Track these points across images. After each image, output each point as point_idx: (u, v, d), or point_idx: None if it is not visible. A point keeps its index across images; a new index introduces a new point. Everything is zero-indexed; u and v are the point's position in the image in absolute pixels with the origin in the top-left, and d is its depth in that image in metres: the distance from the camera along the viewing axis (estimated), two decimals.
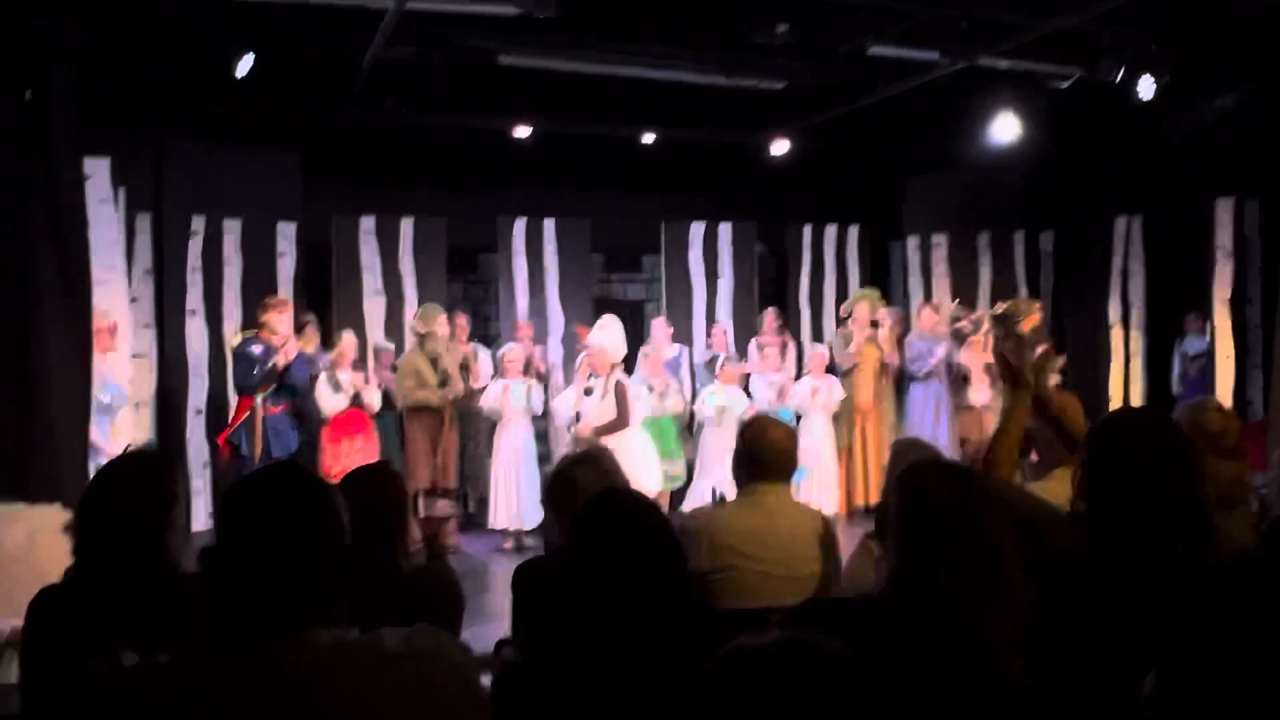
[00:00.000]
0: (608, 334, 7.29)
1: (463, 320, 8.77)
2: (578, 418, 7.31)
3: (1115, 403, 9.66)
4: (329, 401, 7.70)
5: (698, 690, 1.25)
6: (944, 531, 1.92)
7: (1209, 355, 9.08)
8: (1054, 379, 9.36)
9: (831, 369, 8.84)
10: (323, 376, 7.77)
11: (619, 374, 7.24)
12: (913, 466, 2.10)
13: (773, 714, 1.20)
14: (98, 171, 6.74)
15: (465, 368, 8.27)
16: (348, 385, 7.75)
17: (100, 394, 6.56)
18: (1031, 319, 9.44)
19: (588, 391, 7.24)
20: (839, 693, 1.21)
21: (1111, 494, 2.30)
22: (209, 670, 1.50)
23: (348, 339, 8.09)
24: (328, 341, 8.48)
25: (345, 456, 7.55)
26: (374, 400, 7.92)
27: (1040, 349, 9.62)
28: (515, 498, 8.07)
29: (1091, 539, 2.22)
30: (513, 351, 8.34)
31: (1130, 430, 2.35)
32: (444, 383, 7.82)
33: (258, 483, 1.66)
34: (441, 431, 7.90)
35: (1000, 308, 9.54)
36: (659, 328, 9.23)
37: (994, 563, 1.89)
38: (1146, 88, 7.12)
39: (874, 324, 9.00)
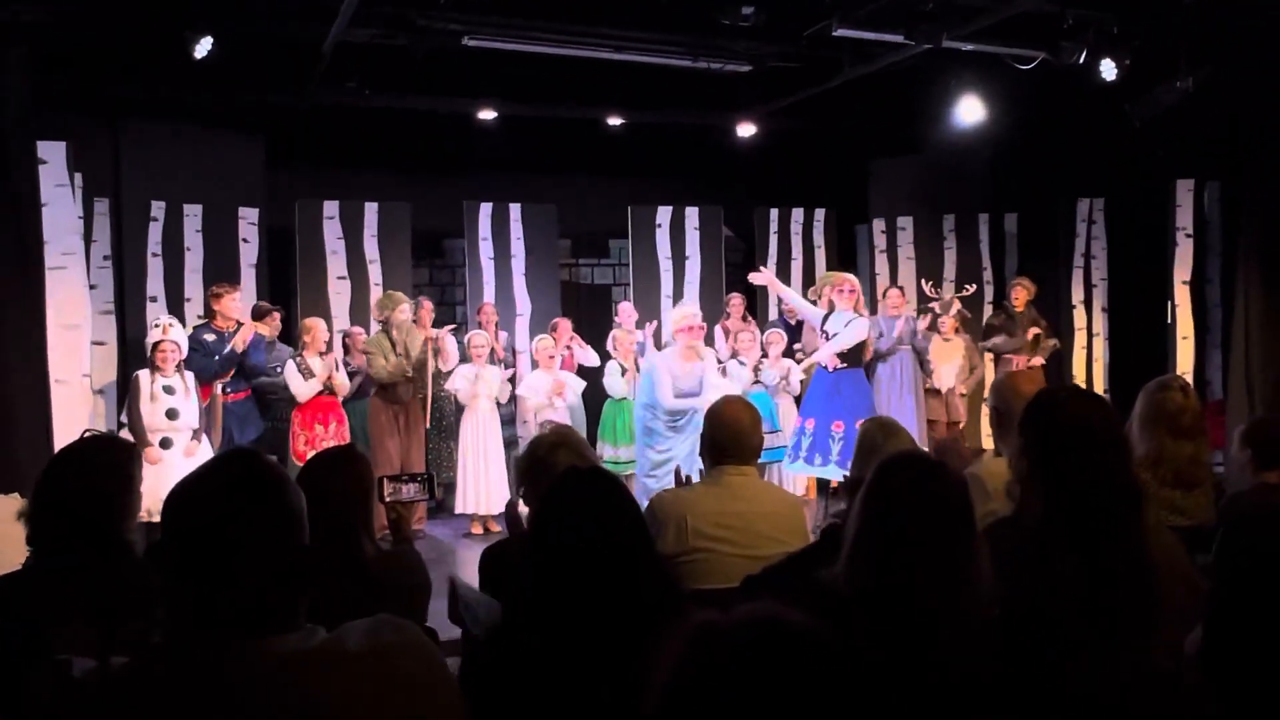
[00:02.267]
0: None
1: (428, 305, 8.70)
2: None
3: (1079, 382, 9.78)
4: (299, 387, 7.63)
5: (669, 670, 1.24)
6: (911, 528, 1.98)
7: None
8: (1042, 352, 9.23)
9: (789, 353, 8.86)
10: (291, 362, 7.70)
11: None
12: (889, 459, 2.13)
13: (746, 691, 1.19)
14: (54, 155, 6.61)
15: (436, 352, 8.22)
16: (319, 371, 7.67)
17: None
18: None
19: None
20: (812, 667, 1.21)
21: (1046, 474, 2.35)
22: (162, 682, 1.40)
23: (316, 324, 8.00)
24: (289, 336, 8.39)
25: (318, 441, 7.48)
26: (344, 382, 7.84)
27: (1033, 333, 9.55)
28: (482, 482, 8.05)
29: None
30: (478, 336, 8.32)
31: (1059, 409, 2.40)
32: (419, 366, 7.83)
33: (205, 480, 1.50)
34: (407, 416, 7.86)
35: (967, 292, 9.58)
36: (626, 312, 9.21)
37: (957, 565, 1.96)
38: (1108, 70, 7.19)
39: None
